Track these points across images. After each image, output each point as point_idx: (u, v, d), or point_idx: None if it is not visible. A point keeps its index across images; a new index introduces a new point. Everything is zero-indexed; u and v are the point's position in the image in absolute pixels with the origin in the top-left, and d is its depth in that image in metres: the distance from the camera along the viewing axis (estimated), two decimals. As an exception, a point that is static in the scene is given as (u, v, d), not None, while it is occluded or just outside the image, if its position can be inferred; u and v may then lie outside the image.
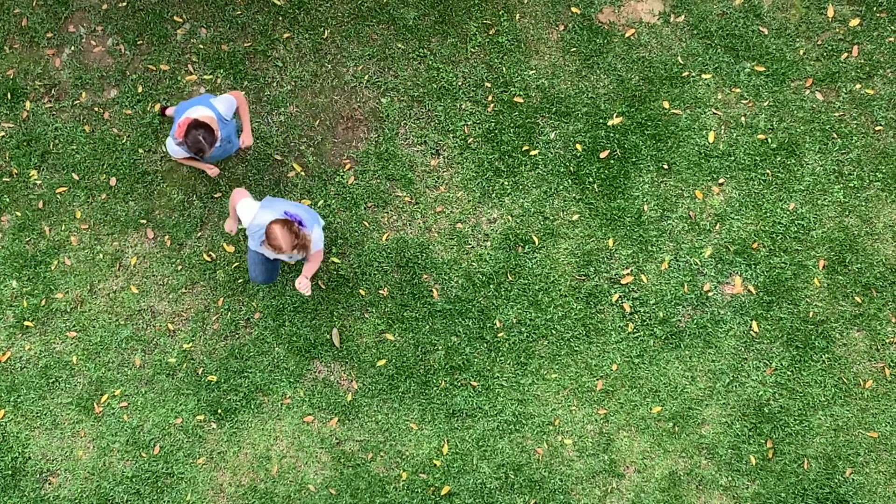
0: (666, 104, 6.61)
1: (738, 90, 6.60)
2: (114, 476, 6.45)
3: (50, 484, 6.47)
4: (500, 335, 6.48)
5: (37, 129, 6.71)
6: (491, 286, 6.52)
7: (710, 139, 6.57)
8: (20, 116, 6.73)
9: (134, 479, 6.43)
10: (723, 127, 6.58)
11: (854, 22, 6.60)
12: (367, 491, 6.40)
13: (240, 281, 6.56)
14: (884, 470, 6.30)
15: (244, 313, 6.55)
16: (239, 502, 6.42)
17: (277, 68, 6.74)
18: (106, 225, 6.64)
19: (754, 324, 6.42)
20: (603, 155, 6.59)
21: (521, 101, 6.66)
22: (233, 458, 6.45)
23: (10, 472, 6.46)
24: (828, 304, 6.41)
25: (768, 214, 6.50)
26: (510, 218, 6.58)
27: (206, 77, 6.72)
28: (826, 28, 6.62)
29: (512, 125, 6.64)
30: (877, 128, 6.53)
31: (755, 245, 6.48)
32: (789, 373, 6.38)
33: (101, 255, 6.61)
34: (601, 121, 6.62)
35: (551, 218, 6.57)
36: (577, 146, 6.61)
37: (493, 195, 6.60)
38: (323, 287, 6.54)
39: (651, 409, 6.40)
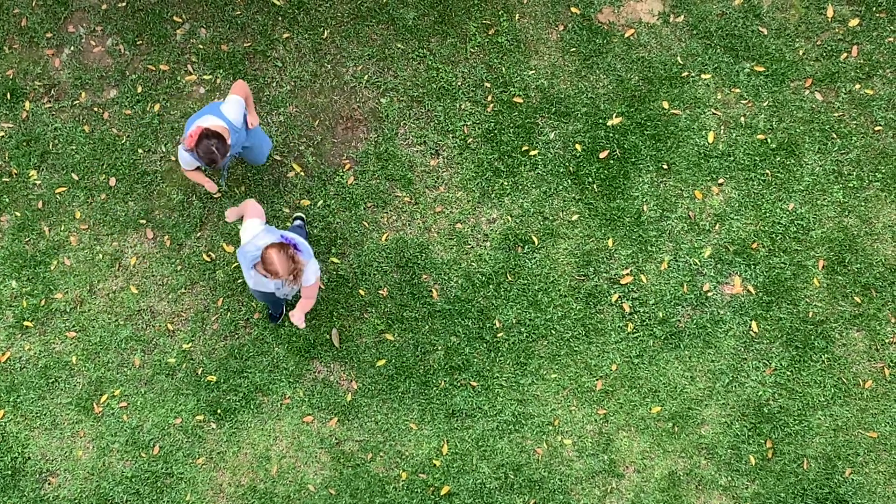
0: (665, 104, 6.61)
1: (738, 90, 6.60)
2: (113, 476, 6.45)
3: (49, 484, 6.47)
4: (499, 335, 6.48)
5: (36, 129, 6.71)
6: (490, 286, 6.52)
7: (710, 139, 6.57)
8: (20, 116, 6.73)
9: (133, 480, 6.43)
10: (722, 127, 6.59)
11: (853, 22, 6.60)
12: (367, 491, 6.40)
13: (239, 281, 6.56)
14: (883, 470, 6.30)
15: (244, 313, 6.55)
16: (238, 502, 6.42)
17: (277, 68, 6.74)
18: (105, 225, 6.64)
19: (754, 324, 6.42)
20: (602, 155, 6.59)
21: (521, 101, 6.66)
22: (232, 459, 6.45)
23: (9, 472, 6.46)
24: (827, 305, 6.41)
25: (768, 214, 6.50)
26: (510, 218, 6.58)
27: (205, 77, 6.72)
28: (825, 28, 6.62)
29: (511, 125, 6.64)
30: (876, 128, 6.53)
31: (755, 245, 6.48)
32: (789, 373, 6.38)
33: (100, 256, 6.61)
34: (601, 121, 6.62)
35: (551, 218, 6.57)
36: (577, 146, 6.61)
37: (493, 195, 6.60)
38: (322, 287, 6.54)
39: (651, 409, 6.40)
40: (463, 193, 6.61)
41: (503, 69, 6.69)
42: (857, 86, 6.56)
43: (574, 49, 6.69)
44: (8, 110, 6.73)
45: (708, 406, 6.40)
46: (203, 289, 6.57)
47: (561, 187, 6.58)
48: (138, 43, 6.77)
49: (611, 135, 6.61)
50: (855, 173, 6.50)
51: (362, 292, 6.54)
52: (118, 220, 6.63)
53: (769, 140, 6.56)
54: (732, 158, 6.55)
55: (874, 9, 6.61)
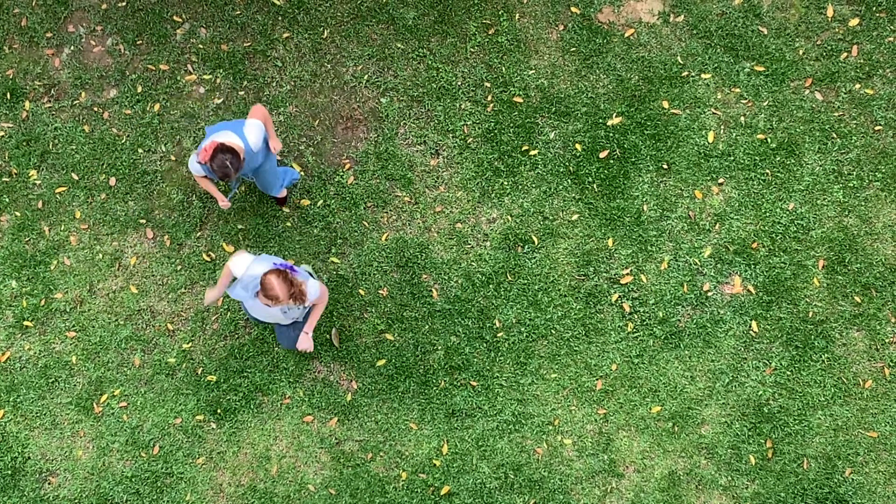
0: (665, 104, 6.61)
1: (738, 90, 6.60)
2: (113, 476, 6.45)
3: (49, 484, 6.47)
4: (499, 335, 6.48)
5: (36, 128, 6.71)
6: (490, 286, 6.52)
7: (710, 139, 6.57)
8: (20, 116, 6.73)
9: (133, 479, 6.43)
10: (722, 127, 6.59)
11: (853, 22, 6.60)
12: (367, 491, 6.40)
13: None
14: (883, 470, 6.30)
15: (243, 313, 6.54)
16: (238, 502, 6.42)
17: (277, 68, 6.74)
18: (105, 225, 6.64)
19: (754, 324, 6.42)
20: (602, 155, 6.59)
21: (521, 100, 6.66)
22: (232, 458, 6.45)
23: (9, 472, 6.46)
24: (827, 304, 6.41)
25: (768, 214, 6.50)
26: (510, 218, 6.58)
27: (205, 77, 6.72)
28: (825, 28, 6.62)
29: (511, 125, 6.64)
30: (876, 128, 6.53)
31: (755, 245, 6.48)
32: (789, 373, 6.38)
33: (100, 255, 6.61)
34: (601, 121, 6.62)
35: (551, 218, 6.57)
36: (577, 146, 6.61)
37: (493, 195, 6.60)
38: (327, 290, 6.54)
39: (651, 408, 6.40)
40: (463, 193, 6.61)
41: (503, 69, 6.69)
42: (858, 85, 6.56)
43: (574, 49, 6.69)
44: (8, 110, 6.73)
45: (708, 406, 6.40)
46: (203, 288, 6.57)
47: (561, 187, 6.58)
48: (138, 43, 6.77)
49: (611, 134, 6.61)
50: (855, 173, 6.50)
51: (362, 292, 6.54)
52: (118, 219, 6.63)
53: (769, 140, 6.55)
54: (732, 158, 6.55)
55: (874, 8, 6.61)
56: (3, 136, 6.71)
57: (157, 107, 6.70)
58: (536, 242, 6.55)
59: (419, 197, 6.61)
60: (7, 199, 6.67)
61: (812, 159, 6.53)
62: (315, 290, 5.53)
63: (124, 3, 6.80)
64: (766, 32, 6.63)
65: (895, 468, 6.30)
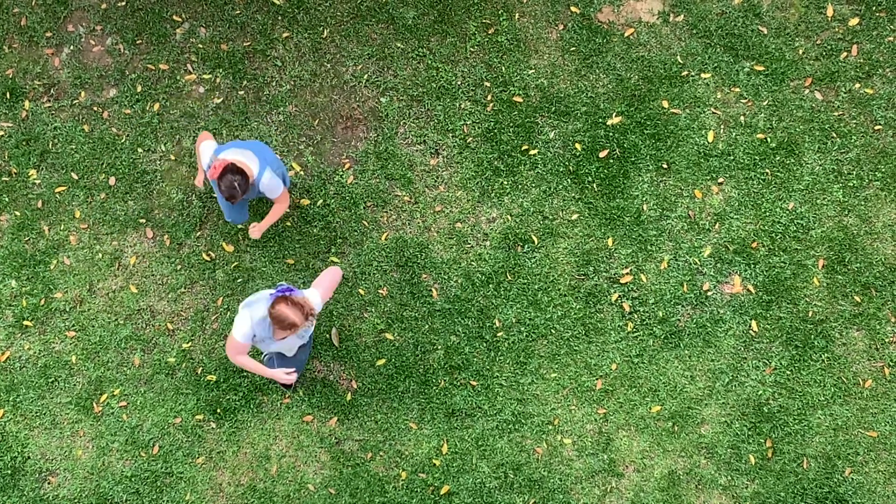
0: (665, 103, 6.61)
1: (738, 89, 6.60)
2: (113, 475, 6.45)
3: (49, 483, 6.47)
4: (499, 335, 6.48)
5: (36, 128, 6.71)
6: (490, 286, 6.52)
7: (710, 138, 6.57)
8: (19, 116, 6.73)
9: (133, 479, 6.43)
10: (722, 126, 6.59)
11: (853, 21, 6.60)
12: (367, 490, 6.40)
13: (239, 280, 6.56)
14: (883, 469, 6.30)
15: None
16: (238, 502, 6.42)
17: (276, 68, 6.74)
18: (105, 224, 6.64)
19: (753, 323, 6.42)
20: (602, 154, 6.59)
21: (521, 100, 6.66)
22: (232, 458, 6.45)
23: (9, 472, 6.45)
24: (827, 304, 6.41)
25: (767, 214, 6.50)
26: (509, 217, 6.57)
27: (205, 76, 6.72)
28: (825, 27, 6.62)
29: (511, 124, 6.64)
30: (876, 127, 6.53)
31: (754, 244, 6.48)
32: (789, 372, 6.38)
33: (100, 255, 6.61)
34: (600, 120, 6.62)
35: (550, 217, 6.57)
36: (577, 145, 6.61)
37: (493, 194, 6.60)
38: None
39: (650, 408, 6.40)
40: (463, 193, 6.61)
41: (503, 68, 6.69)
42: (857, 85, 6.56)
43: (574, 48, 6.69)
44: (7, 110, 6.73)
45: (708, 405, 6.40)
46: (203, 288, 6.57)
47: (561, 186, 6.58)
48: (138, 42, 6.77)
49: (610, 134, 6.61)
50: (855, 172, 6.50)
51: (362, 291, 6.54)
52: (118, 219, 6.63)
53: (769, 139, 6.55)
54: (732, 158, 6.55)
55: (874, 8, 6.60)
56: (2, 136, 6.71)
57: (156, 106, 6.70)
58: (536, 242, 6.55)
59: (419, 196, 6.61)
60: (7, 199, 6.66)
61: (812, 159, 6.53)
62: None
63: (124, 3, 6.79)
64: (765, 32, 6.62)
65: (895, 468, 6.30)
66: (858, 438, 6.32)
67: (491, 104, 6.66)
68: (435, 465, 6.41)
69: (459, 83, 6.69)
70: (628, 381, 6.43)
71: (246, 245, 6.57)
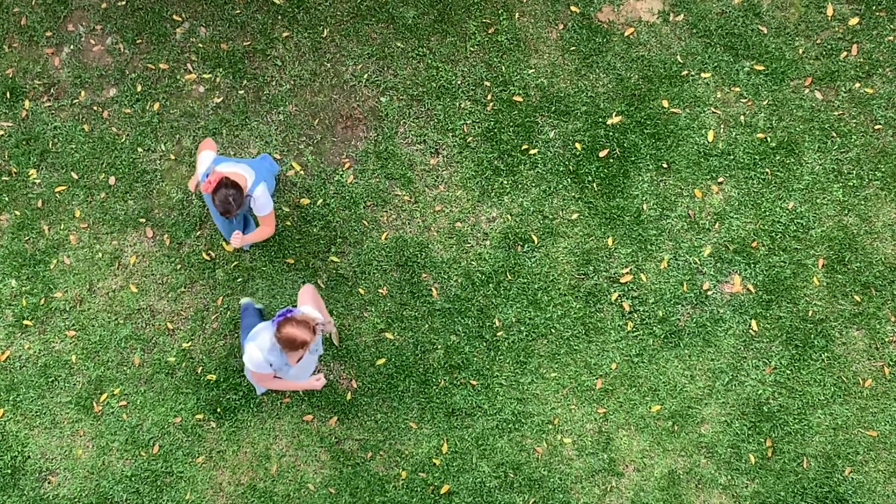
0: (665, 103, 6.61)
1: (738, 89, 6.60)
2: (113, 475, 6.45)
3: (49, 483, 6.47)
4: (499, 334, 6.48)
5: (36, 127, 6.71)
6: (490, 285, 6.52)
7: (710, 138, 6.57)
8: (19, 115, 6.73)
9: (133, 478, 6.43)
10: (722, 126, 6.59)
11: (853, 21, 6.60)
12: (367, 490, 6.40)
13: (239, 280, 6.56)
14: (883, 469, 6.30)
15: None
16: (238, 501, 6.42)
17: (276, 67, 6.74)
18: (105, 224, 6.64)
19: (753, 322, 6.42)
20: (602, 154, 6.59)
21: (521, 99, 6.66)
22: (232, 457, 6.45)
23: (9, 471, 6.45)
24: (827, 303, 6.41)
25: (767, 213, 6.50)
26: (509, 217, 6.58)
27: (205, 76, 6.72)
28: (825, 27, 6.62)
29: (511, 124, 6.64)
30: (876, 126, 6.53)
31: (754, 244, 6.48)
32: (789, 371, 6.38)
33: (100, 254, 6.61)
34: (600, 120, 6.62)
35: (550, 217, 6.57)
36: (577, 145, 6.61)
37: (493, 194, 6.60)
38: (322, 286, 6.54)
39: (650, 407, 6.40)
40: (463, 192, 6.61)
41: (503, 68, 6.69)
42: (857, 84, 6.56)
43: (574, 48, 6.69)
44: (7, 109, 6.73)
45: (708, 405, 6.40)
46: (203, 287, 6.57)
47: (561, 186, 6.58)
48: (138, 42, 6.77)
49: (610, 133, 6.61)
50: (855, 172, 6.50)
51: (362, 291, 6.54)
52: (118, 218, 6.63)
53: (769, 139, 6.55)
54: (732, 157, 6.55)
55: (874, 7, 6.61)
56: (2, 135, 6.71)
57: (156, 106, 6.70)
58: (536, 241, 6.55)
59: (419, 196, 6.61)
60: (7, 198, 6.66)
61: (812, 158, 6.53)
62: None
63: (124, 2, 6.79)
64: (765, 31, 6.63)
65: (895, 467, 6.30)
66: (858, 438, 6.32)
67: (491, 104, 6.66)
68: (435, 464, 6.41)
69: (459, 83, 6.69)
70: (628, 380, 6.43)
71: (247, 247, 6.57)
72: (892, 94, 6.54)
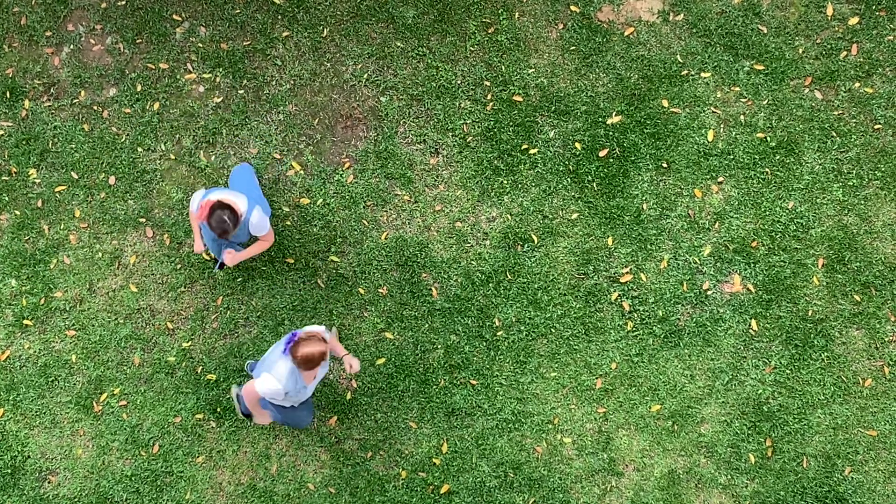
0: (665, 103, 6.61)
1: (738, 89, 6.60)
2: (113, 475, 6.45)
3: (49, 482, 6.47)
4: (499, 334, 6.48)
5: (36, 127, 6.71)
6: (490, 285, 6.52)
7: (710, 138, 6.57)
8: (19, 115, 6.73)
9: (133, 478, 6.43)
10: (722, 125, 6.59)
11: (853, 20, 6.60)
12: (367, 489, 6.40)
13: (238, 280, 6.56)
14: (883, 468, 6.30)
15: (243, 312, 6.55)
16: (238, 501, 6.42)
17: (276, 67, 6.74)
18: (105, 223, 6.64)
19: (753, 322, 6.42)
20: (602, 153, 6.59)
21: (521, 99, 6.66)
22: (232, 457, 6.45)
23: (9, 471, 6.46)
24: (827, 303, 6.41)
25: (767, 213, 6.50)
26: (509, 216, 6.58)
27: (205, 76, 6.72)
28: (825, 26, 6.62)
29: (511, 124, 6.64)
30: (876, 126, 6.53)
31: (754, 243, 6.48)
32: (788, 371, 6.38)
33: (100, 254, 6.61)
34: (600, 119, 6.62)
35: (550, 216, 6.57)
36: (577, 145, 6.61)
37: (493, 194, 6.60)
38: (322, 286, 6.54)
39: (650, 407, 6.40)
40: (462, 192, 6.61)
41: (503, 67, 6.69)
42: (857, 84, 6.56)
43: (574, 47, 6.69)
44: (7, 109, 6.73)
45: (707, 404, 6.40)
46: (203, 287, 6.57)
47: (560, 186, 6.58)
48: (138, 41, 6.77)
49: (610, 133, 6.61)
50: (854, 172, 6.50)
51: (362, 291, 6.54)
52: (118, 218, 6.63)
53: (769, 138, 6.55)
54: (732, 157, 6.55)
55: (874, 7, 6.61)
56: (2, 135, 6.71)
57: (156, 105, 6.70)
58: (536, 241, 6.55)
59: (419, 196, 6.62)
60: (7, 198, 6.67)
61: (812, 158, 6.53)
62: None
63: (124, 2, 6.80)
64: (765, 31, 6.63)
65: (895, 467, 6.30)
66: (858, 437, 6.32)
67: (491, 103, 6.66)
68: (435, 464, 6.41)
69: (459, 82, 6.69)
70: (628, 380, 6.43)
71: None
72: (891, 94, 6.54)
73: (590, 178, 6.57)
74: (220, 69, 6.72)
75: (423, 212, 6.60)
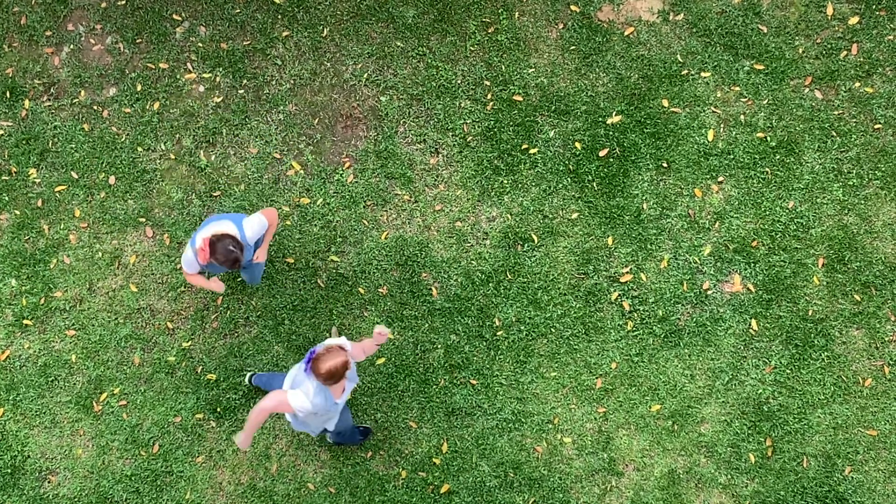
0: (665, 102, 6.61)
1: (738, 88, 6.60)
2: (113, 474, 6.45)
3: (49, 482, 6.47)
4: (499, 333, 6.48)
5: (36, 127, 6.71)
6: (490, 284, 6.52)
7: (710, 137, 6.57)
8: (19, 115, 6.73)
9: (133, 478, 6.43)
10: (722, 125, 6.59)
11: (853, 20, 6.60)
12: (367, 489, 6.40)
13: (238, 280, 6.56)
14: (883, 468, 6.30)
15: (243, 312, 6.55)
16: (238, 500, 6.42)
17: (276, 66, 6.74)
18: (105, 223, 6.64)
19: (753, 322, 6.42)
20: (602, 153, 6.59)
21: (521, 99, 6.66)
22: (232, 457, 6.45)
23: (9, 471, 6.45)
24: (827, 303, 6.41)
25: (767, 213, 6.50)
26: (509, 216, 6.58)
27: (205, 75, 6.72)
28: (825, 26, 6.62)
29: (511, 123, 6.64)
30: (876, 126, 6.53)
31: (754, 243, 6.48)
32: (788, 371, 6.38)
33: (100, 254, 6.61)
34: (600, 119, 6.62)
35: (550, 216, 6.57)
36: (577, 144, 6.61)
37: (493, 193, 6.60)
38: (322, 286, 6.54)
39: (650, 407, 6.40)
40: (463, 192, 6.61)
41: (503, 67, 6.69)
42: (857, 84, 6.56)
43: (574, 47, 6.69)
44: (7, 108, 6.73)
45: (708, 404, 6.40)
46: (202, 288, 6.57)
47: (561, 185, 6.58)
48: (138, 41, 6.77)
49: (610, 133, 6.61)
50: (855, 171, 6.50)
51: (362, 290, 6.54)
52: (118, 218, 6.63)
53: (769, 138, 6.55)
54: (732, 156, 6.55)
55: (874, 6, 6.61)
56: (2, 135, 6.71)
57: (156, 105, 6.70)
58: (536, 241, 6.55)
59: (419, 195, 6.61)
60: (7, 198, 6.67)
61: (812, 158, 6.53)
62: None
63: (124, 2, 6.80)
64: (765, 31, 6.63)
65: (895, 466, 6.30)
66: (858, 437, 6.32)
67: (491, 103, 6.66)
68: (435, 463, 6.41)
69: (459, 82, 6.69)
70: (628, 379, 6.43)
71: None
72: (892, 94, 6.54)
73: (590, 177, 6.57)
74: (220, 69, 6.73)
75: (423, 211, 6.60)
